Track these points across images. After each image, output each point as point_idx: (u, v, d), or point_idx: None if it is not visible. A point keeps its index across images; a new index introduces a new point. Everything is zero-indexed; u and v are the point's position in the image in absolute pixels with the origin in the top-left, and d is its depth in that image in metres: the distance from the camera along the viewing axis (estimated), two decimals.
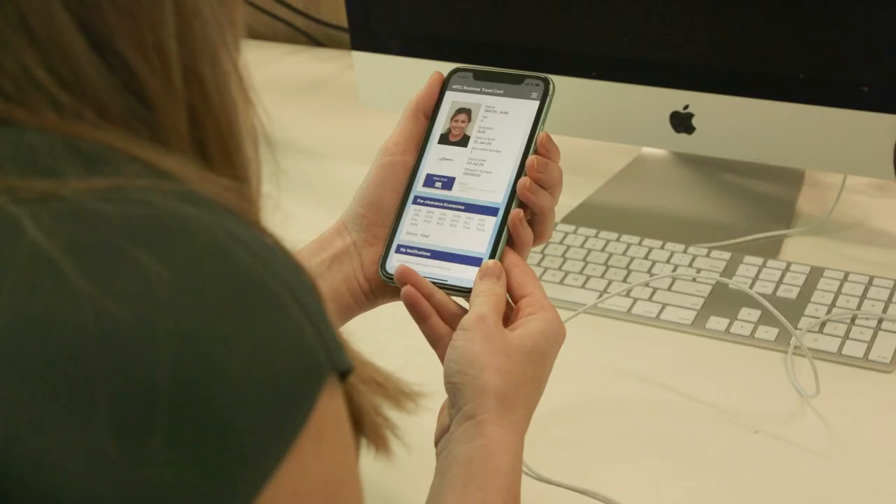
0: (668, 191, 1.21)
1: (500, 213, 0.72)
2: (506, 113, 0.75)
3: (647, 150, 1.27)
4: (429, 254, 0.73)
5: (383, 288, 0.73)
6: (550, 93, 0.74)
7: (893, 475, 0.81)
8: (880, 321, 0.96)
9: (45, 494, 0.36)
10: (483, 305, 0.68)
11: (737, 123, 1.10)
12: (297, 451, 0.40)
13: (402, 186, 0.74)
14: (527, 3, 1.14)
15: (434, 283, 0.71)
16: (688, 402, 0.90)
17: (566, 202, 1.18)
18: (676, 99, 1.11)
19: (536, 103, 0.74)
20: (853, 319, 0.97)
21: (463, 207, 0.73)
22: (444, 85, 0.77)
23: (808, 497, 0.80)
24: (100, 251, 0.39)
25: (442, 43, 1.19)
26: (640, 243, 1.09)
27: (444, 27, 1.19)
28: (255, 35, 1.75)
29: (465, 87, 0.76)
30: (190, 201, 0.41)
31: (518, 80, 0.75)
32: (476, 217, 0.73)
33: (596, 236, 1.11)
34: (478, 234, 0.72)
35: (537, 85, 0.75)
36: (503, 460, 0.63)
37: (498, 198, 0.72)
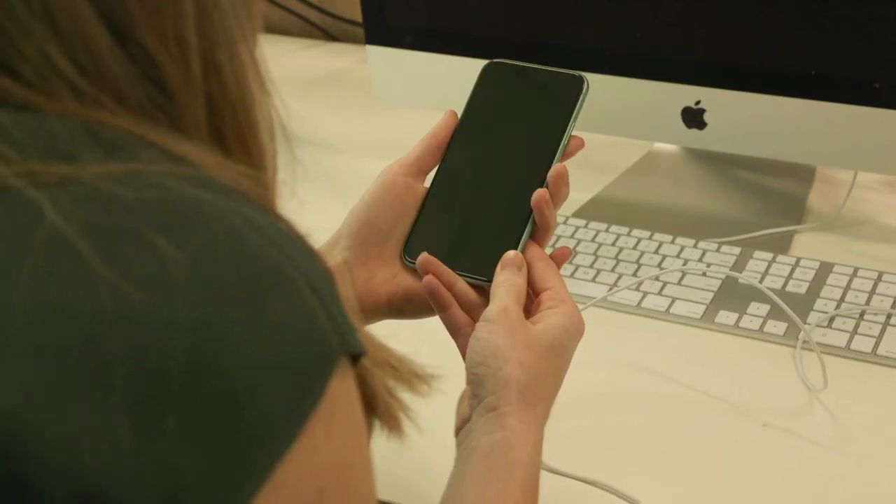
0: (680, 186, 1.22)
1: (525, 205, 0.72)
2: (538, 108, 0.75)
3: (659, 146, 1.28)
4: (451, 241, 0.73)
5: (374, 307, 0.73)
6: (584, 90, 0.75)
7: None
8: (889, 316, 0.96)
9: (62, 474, 0.37)
10: (505, 297, 0.68)
11: (748, 119, 1.10)
12: (309, 433, 0.40)
13: (400, 206, 0.74)
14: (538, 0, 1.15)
15: (454, 271, 0.72)
16: (696, 395, 0.91)
17: (578, 196, 1.19)
18: (688, 94, 1.12)
19: (570, 100, 0.75)
20: (862, 315, 0.97)
21: (488, 198, 0.74)
22: (481, 77, 0.77)
23: (816, 491, 0.80)
24: (117, 235, 0.39)
25: (456, 38, 1.19)
26: (650, 238, 1.10)
27: (458, 22, 1.20)
28: (270, 29, 1.75)
29: (500, 80, 0.77)
30: (206, 187, 0.42)
31: (553, 76, 0.76)
32: (500, 208, 0.73)
33: (607, 230, 1.11)
34: (501, 225, 0.73)
35: (572, 82, 0.75)
36: (523, 452, 0.63)
37: (524, 190, 0.73)
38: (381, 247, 0.74)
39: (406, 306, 0.74)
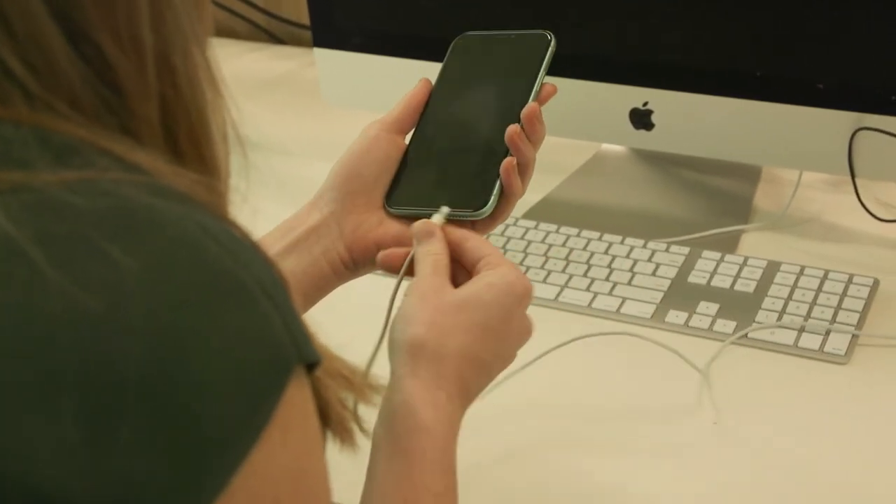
0: (628, 187, 1.22)
1: (499, 156, 0.73)
2: (509, 65, 0.78)
3: (607, 147, 1.28)
4: (433, 185, 0.75)
5: (364, 255, 0.74)
6: (552, 43, 0.77)
7: (849, 465, 0.83)
8: (835, 314, 0.98)
9: (14, 484, 0.36)
10: (420, 268, 0.68)
11: (695, 120, 1.11)
12: (265, 441, 0.40)
13: (385, 158, 0.76)
14: (487, 0, 1.15)
15: (438, 207, 0.73)
16: (647, 394, 0.91)
17: (527, 198, 1.18)
18: (636, 96, 1.12)
19: (538, 53, 0.77)
20: (809, 312, 0.98)
21: (466, 145, 0.76)
22: (452, 49, 0.81)
23: (767, 487, 0.81)
24: (70, 242, 0.39)
25: (404, 40, 1.19)
26: (600, 238, 1.10)
27: (406, 24, 1.20)
28: (215, 32, 1.74)
29: (470, 49, 0.81)
30: (160, 194, 0.42)
31: (520, 37, 0.79)
32: (478, 152, 0.75)
33: (557, 231, 1.12)
34: (480, 165, 0.74)
35: (538, 38, 0.78)
36: (427, 415, 0.61)
37: (500, 133, 0.74)
38: (367, 196, 0.75)
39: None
